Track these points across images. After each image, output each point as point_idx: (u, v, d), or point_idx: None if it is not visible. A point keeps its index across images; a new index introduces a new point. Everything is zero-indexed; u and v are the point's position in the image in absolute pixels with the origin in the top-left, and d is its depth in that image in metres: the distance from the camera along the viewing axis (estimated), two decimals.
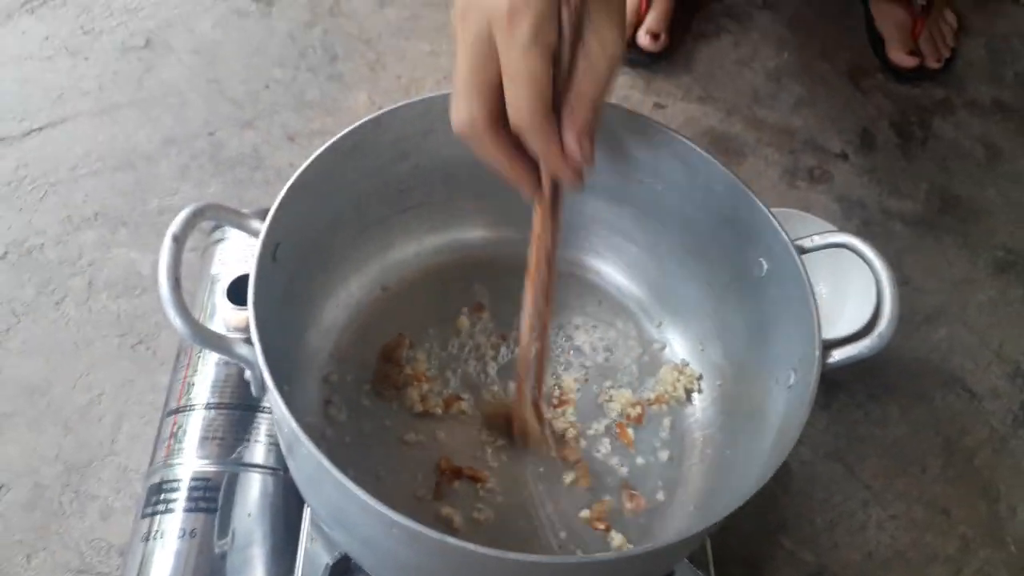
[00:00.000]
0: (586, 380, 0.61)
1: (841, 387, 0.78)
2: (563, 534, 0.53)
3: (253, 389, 0.45)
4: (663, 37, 0.97)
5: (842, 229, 0.84)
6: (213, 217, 0.45)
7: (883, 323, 0.47)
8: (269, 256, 0.47)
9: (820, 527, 0.70)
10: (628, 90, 0.96)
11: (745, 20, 1.05)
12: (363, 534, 0.44)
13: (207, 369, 0.59)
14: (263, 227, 0.46)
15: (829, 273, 0.76)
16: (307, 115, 0.86)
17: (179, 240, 0.43)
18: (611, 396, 0.60)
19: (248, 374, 0.44)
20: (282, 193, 0.48)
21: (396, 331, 0.60)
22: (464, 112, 0.41)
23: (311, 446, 0.38)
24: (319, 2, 0.97)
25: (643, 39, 0.97)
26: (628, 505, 0.55)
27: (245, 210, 0.47)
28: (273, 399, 0.41)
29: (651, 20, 0.97)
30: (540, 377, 0.53)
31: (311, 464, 0.41)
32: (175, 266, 0.42)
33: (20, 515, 0.61)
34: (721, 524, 0.44)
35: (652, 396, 0.60)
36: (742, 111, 0.96)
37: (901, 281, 0.85)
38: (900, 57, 1.00)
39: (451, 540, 0.37)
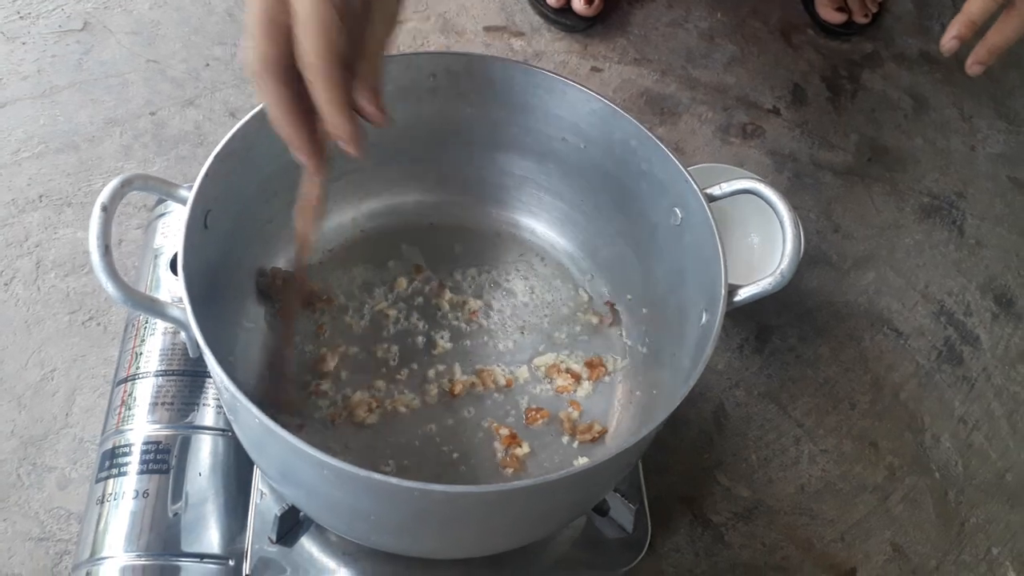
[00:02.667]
0: (522, 333, 0.63)
1: (774, 331, 0.81)
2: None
3: (189, 350, 0.47)
4: (597, 2, 0.99)
5: (773, 181, 0.88)
6: (141, 187, 0.47)
7: (784, 261, 0.50)
8: (199, 223, 0.49)
9: (755, 464, 0.74)
10: (565, 55, 0.98)
11: None
12: (303, 482, 0.47)
13: (155, 339, 0.61)
14: (191, 195, 0.48)
15: (761, 224, 0.79)
16: (248, 91, 0.87)
17: (107, 209, 0.44)
18: (543, 350, 0.63)
19: (184, 335, 0.46)
20: (208, 161, 0.49)
21: (335, 297, 0.62)
22: (253, 51, 0.41)
23: (242, 398, 0.41)
24: None
25: (578, 4, 0.99)
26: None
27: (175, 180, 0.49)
28: (208, 359, 0.43)
29: None
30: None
31: (249, 420, 0.43)
32: (105, 234, 0.44)
33: None
34: (641, 450, 0.47)
35: (581, 354, 0.63)
36: (676, 71, 0.99)
37: (832, 229, 0.90)
38: (829, 13, 1.03)
39: (376, 476, 0.39)
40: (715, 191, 0.54)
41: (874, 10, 1.05)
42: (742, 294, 0.51)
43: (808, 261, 0.86)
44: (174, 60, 0.90)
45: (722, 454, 0.74)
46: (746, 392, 0.78)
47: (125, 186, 0.46)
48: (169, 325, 0.61)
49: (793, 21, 1.06)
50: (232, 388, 0.41)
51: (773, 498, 0.72)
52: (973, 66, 0.64)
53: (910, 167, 0.96)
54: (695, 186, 0.54)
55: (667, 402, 0.46)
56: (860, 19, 1.03)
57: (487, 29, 0.99)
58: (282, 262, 0.62)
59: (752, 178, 0.54)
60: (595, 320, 0.64)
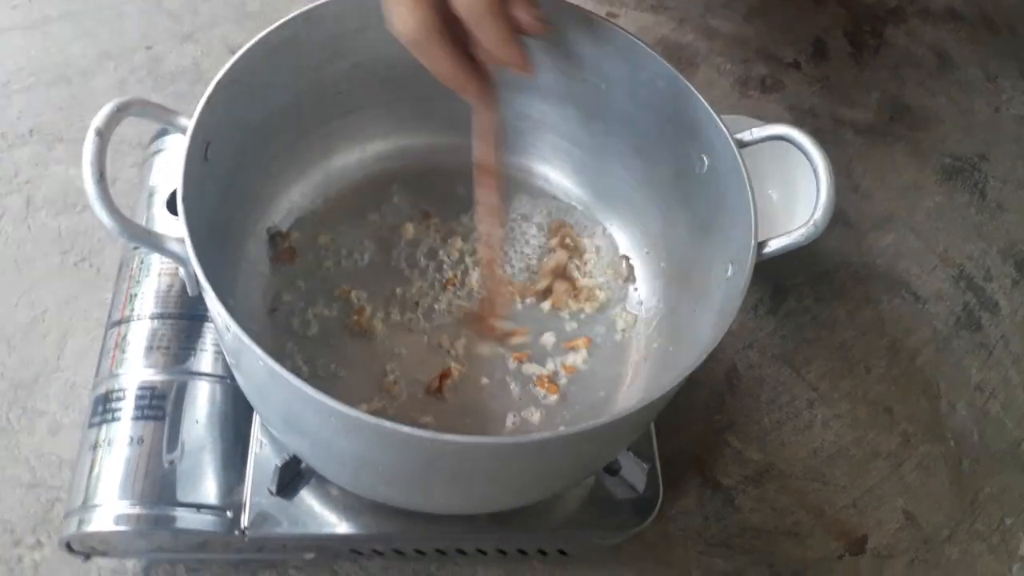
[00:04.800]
0: (527, 289, 0.61)
1: (790, 292, 0.79)
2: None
3: (188, 288, 0.44)
4: None
5: None
6: (139, 112, 0.44)
7: (818, 211, 0.48)
8: (199, 154, 0.46)
9: (767, 427, 0.72)
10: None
11: None
12: (308, 430, 0.44)
13: (150, 280, 0.58)
14: (191, 123, 0.45)
15: (779, 179, 0.76)
16: (248, 26, 0.84)
17: (102, 134, 0.41)
18: (557, 317, 0.60)
19: (182, 272, 0.43)
20: (209, 89, 0.46)
21: (339, 240, 0.59)
22: (411, 17, 0.41)
23: (247, 339, 0.38)
24: None
25: None
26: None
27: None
28: (208, 295, 0.41)
29: None
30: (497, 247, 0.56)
31: (254, 364, 0.41)
32: (100, 160, 0.41)
33: None
34: (661, 405, 0.45)
35: (597, 299, 0.60)
36: (695, 20, 0.95)
37: (851, 188, 0.87)
38: None
39: (387, 424, 0.37)
40: (745, 136, 0.51)
41: None
42: (772, 245, 0.48)
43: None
44: None
45: (734, 416, 0.72)
46: (760, 353, 0.75)
47: (121, 110, 0.43)
48: (165, 266, 0.59)
49: None
50: (235, 327, 0.38)
51: (785, 462, 0.71)
52: None
53: (932, 127, 0.93)
54: (725, 131, 0.51)
55: (688, 359, 0.44)
56: None
57: None
58: (285, 208, 0.59)
59: (784, 125, 0.51)
60: (609, 273, 0.62)
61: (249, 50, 0.49)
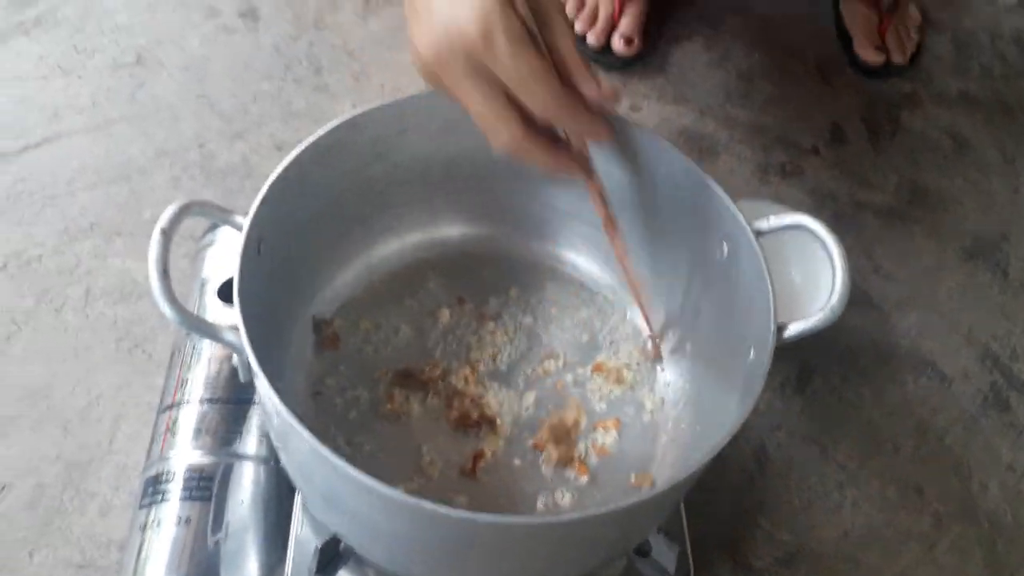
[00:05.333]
0: (563, 366, 0.63)
1: (816, 372, 0.80)
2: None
3: (241, 374, 0.47)
4: (636, 42, 1.00)
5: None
6: (199, 213, 0.48)
7: (835, 296, 0.50)
8: (253, 248, 0.49)
9: (797, 507, 0.73)
10: None
11: (716, 23, 1.08)
12: (348, 508, 0.47)
13: (200, 366, 0.62)
14: (246, 221, 0.49)
15: (801, 262, 0.79)
16: (294, 125, 0.89)
17: (167, 234, 0.45)
18: (586, 383, 0.62)
19: (236, 359, 0.46)
20: (264, 189, 0.50)
21: (383, 327, 0.63)
22: (503, 136, 0.46)
23: (295, 422, 0.41)
24: (303, 16, 1.00)
25: (617, 44, 1.00)
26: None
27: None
28: (259, 381, 0.44)
29: (624, 25, 1.01)
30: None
31: (300, 445, 0.43)
32: (164, 258, 0.45)
33: (23, 513, 0.64)
34: (689, 485, 0.47)
35: (625, 380, 0.63)
36: (715, 110, 0.99)
37: (872, 269, 0.89)
38: (868, 54, 1.03)
39: (426, 504, 0.39)
40: (763, 225, 0.54)
41: (912, 50, 1.05)
42: (791, 330, 0.50)
43: (849, 301, 0.84)
44: (223, 95, 0.92)
45: (764, 496, 0.73)
46: (787, 434, 0.76)
47: (184, 211, 0.47)
48: (214, 352, 0.62)
49: (831, 62, 1.07)
50: (284, 411, 0.41)
51: (816, 543, 0.71)
52: None
53: (952, 208, 0.95)
54: (743, 220, 0.54)
55: (715, 439, 0.46)
56: (898, 59, 1.03)
57: None
58: (330, 297, 0.63)
59: (799, 213, 0.54)
60: (637, 355, 0.64)
61: (299, 153, 0.53)
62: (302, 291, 0.60)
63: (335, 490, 0.45)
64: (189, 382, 0.61)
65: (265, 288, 0.53)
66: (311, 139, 0.54)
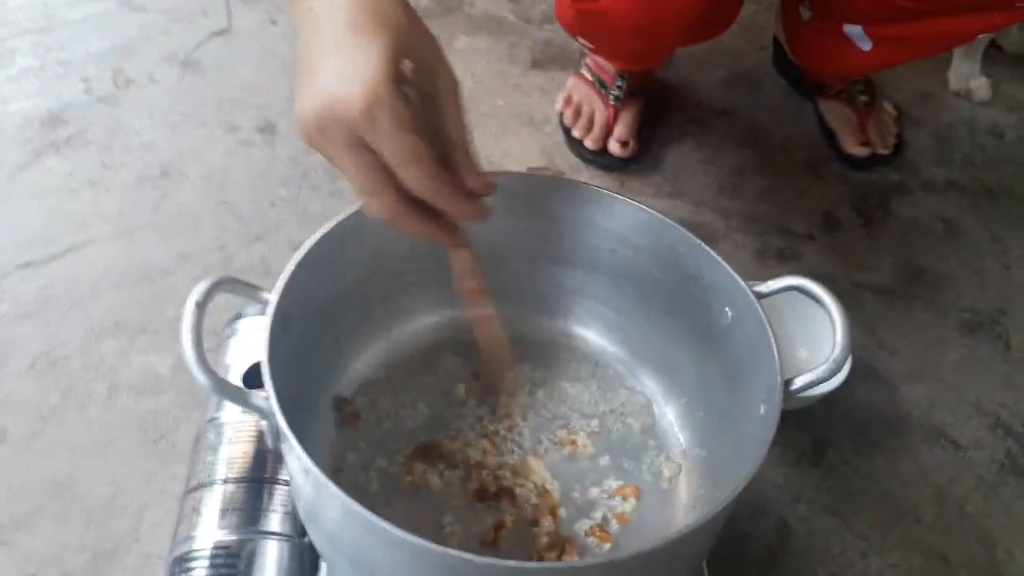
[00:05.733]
0: (577, 436, 0.64)
1: (830, 445, 0.81)
2: None
3: (269, 441, 0.49)
4: (632, 144, 1.06)
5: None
6: (230, 288, 0.51)
7: (837, 349, 0.52)
8: (279, 324, 0.52)
9: None
10: None
11: (705, 125, 1.14)
12: (385, 572, 0.47)
13: (224, 448, 0.63)
14: (273, 296, 0.52)
15: (807, 340, 0.82)
16: (311, 227, 0.91)
17: (200, 306, 0.48)
18: (599, 457, 0.64)
19: (264, 425, 0.48)
20: (290, 266, 0.54)
21: (402, 404, 0.64)
22: (376, 205, 0.47)
23: (325, 479, 0.42)
24: None
25: (614, 147, 1.06)
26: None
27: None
28: (292, 443, 0.45)
29: (619, 130, 1.07)
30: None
31: (330, 506, 0.44)
32: (197, 328, 0.47)
33: None
34: (707, 535, 0.47)
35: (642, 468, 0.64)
36: (710, 203, 1.04)
37: (877, 345, 0.91)
38: (853, 148, 1.09)
39: (452, 552, 0.40)
40: (763, 288, 0.57)
41: (894, 140, 1.10)
42: (798, 382, 0.52)
43: (857, 376, 0.86)
44: (242, 201, 0.97)
45: (788, 570, 0.72)
46: (807, 506, 0.76)
47: (216, 287, 0.50)
48: (236, 435, 0.64)
49: (819, 156, 1.12)
50: (314, 469, 0.43)
51: None
52: None
53: (948, 286, 0.98)
54: (743, 284, 0.56)
55: (729, 491, 0.47)
56: (882, 150, 1.09)
57: (531, 170, 1.06)
58: (350, 376, 0.65)
59: (796, 276, 0.57)
60: (651, 422, 0.65)
61: (324, 234, 0.56)
62: (324, 370, 0.62)
63: (364, 551, 0.46)
64: (214, 464, 0.62)
65: (289, 366, 0.55)
66: (334, 221, 0.58)
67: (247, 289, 0.52)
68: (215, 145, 1.04)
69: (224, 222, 0.94)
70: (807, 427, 0.82)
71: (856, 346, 0.90)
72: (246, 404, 0.47)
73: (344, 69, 0.43)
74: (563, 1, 0.85)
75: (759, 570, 0.71)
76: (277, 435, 0.48)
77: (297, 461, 0.45)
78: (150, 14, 1.25)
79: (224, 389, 0.47)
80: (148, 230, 0.93)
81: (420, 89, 0.46)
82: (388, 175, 0.45)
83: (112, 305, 0.85)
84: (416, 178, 0.45)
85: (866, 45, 0.95)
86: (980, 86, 1.25)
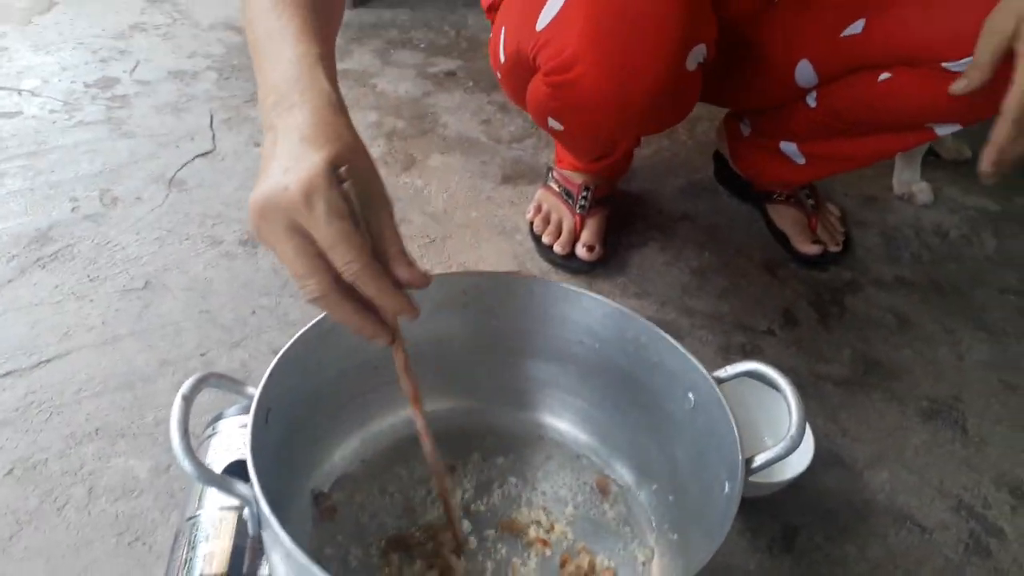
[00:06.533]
0: (552, 525, 0.66)
1: (799, 531, 0.83)
2: None
3: (250, 527, 0.50)
4: (598, 248, 1.12)
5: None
6: (215, 384, 0.54)
7: (792, 428, 0.55)
8: (262, 417, 0.55)
9: None
10: None
11: (667, 230, 1.21)
12: None
13: (202, 544, 0.64)
14: (256, 392, 0.54)
15: (772, 429, 0.85)
16: (291, 332, 0.94)
17: (188, 399, 0.51)
18: (577, 559, 0.65)
19: (246, 512, 0.50)
20: (273, 363, 0.57)
21: (377, 497, 0.66)
22: (310, 287, 0.50)
23: (306, 560, 0.44)
24: None
25: (581, 251, 1.11)
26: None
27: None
28: (273, 526, 0.47)
29: (586, 236, 1.13)
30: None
31: None
32: (184, 420, 0.50)
33: None
34: None
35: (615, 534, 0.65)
36: (674, 302, 1.09)
37: (840, 432, 0.94)
38: (805, 247, 1.16)
39: None
40: (721, 374, 0.61)
41: (842, 237, 1.18)
42: (759, 460, 0.55)
43: (822, 463, 0.89)
44: (224, 310, 1.00)
45: None
46: None
47: (201, 382, 0.52)
48: (215, 531, 0.65)
49: (774, 257, 1.18)
50: (297, 551, 0.45)
51: None
52: (987, 168, 0.72)
53: (904, 376, 1.03)
54: (703, 370, 0.60)
55: (696, 564, 0.49)
56: (833, 248, 1.15)
57: None
58: (327, 471, 0.67)
59: (751, 361, 0.61)
60: (624, 511, 0.67)
61: (304, 332, 0.60)
62: (303, 464, 0.64)
63: None
64: (192, 559, 0.63)
65: (270, 460, 0.57)
66: (314, 321, 0.61)
67: (232, 384, 0.55)
68: (198, 258, 1.08)
69: (206, 330, 0.97)
70: (777, 514, 0.83)
71: (820, 434, 0.93)
72: (230, 491, 0.49)
73: (289, 167, 0.49)
74: (536, 83, 0.91)
75: None
76: (259, 522, 0.49)
77: (279, 547, 0.47)
78: (139, 139, 1.32)
79: (210, 478, 0.49)
80: (131, 338, 0.95)
81: (357, 191, 0.50)
82: (322, 259, 0.49)
83: (94, 411, 0.86)
84: (347, 261, 0.48)
85: (800, 160, 1.04)
86: (921, 190, 1.34)
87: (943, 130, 0.92)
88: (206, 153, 1.30)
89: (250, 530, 0.51)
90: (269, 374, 0.56)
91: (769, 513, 0.83)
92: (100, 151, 1.28)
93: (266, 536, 0.50)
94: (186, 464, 0.48)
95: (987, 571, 0.81)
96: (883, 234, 1.26)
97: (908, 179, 1.35)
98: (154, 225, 1.13)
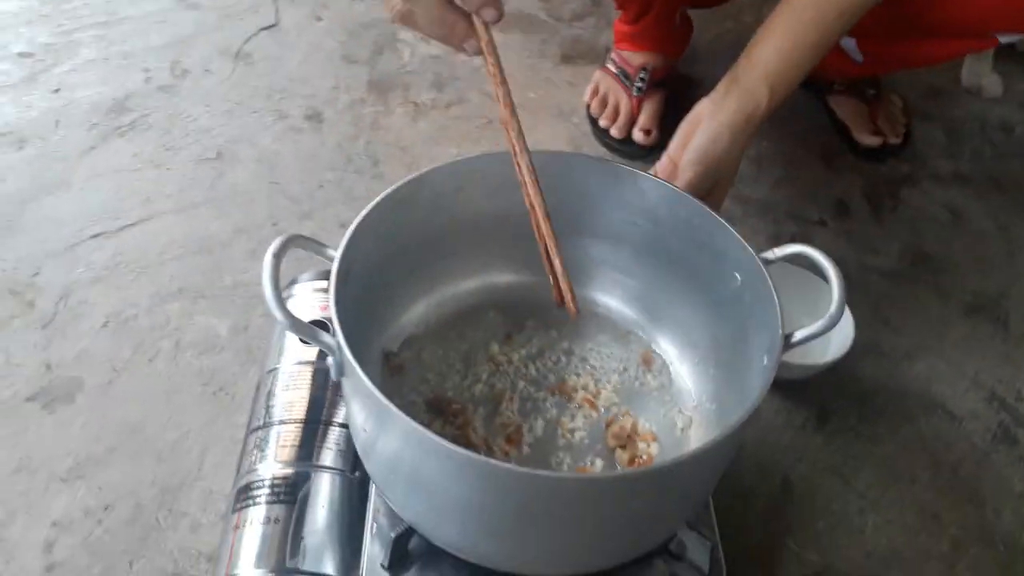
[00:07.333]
0: (598, 394, 0.71)
1: (834, 413, 0.87)
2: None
3: (333, 373, 0.56)
4: (655, 133, 1.13)
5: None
6: (301, 245, 0.58)
7: (833, 306, 0.58)
8: (343, 277, 0.59)
9: (822, 530, 0.78)
10: None
11: None
12: (435, 490, 0.54)
13: (282, 393, 0.71)
14: (338, 253, 0.59)
15: (810, 311, 0.87)
16: (356, 207, 0.99)
17: (277, 257, 0.55)
18: (621, 420, 0.70)
19: (330, 360, 0.56)
20: (350, 230, 0.61)
21: (439, 357, 0.72)
22: (398, 4, 0.56)
23: (386, 401, 0.49)
24: (361, 119, 1.15)
25: (638, 135, 1.13)
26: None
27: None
28: (356, 372, 0.52)
29: (643, 119, 1.13)
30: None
31: (389, 429, 0.52)
32: (275, 275, 0.54)
33: (124, 529, 0.72)
34: (720, 454, 0.54)
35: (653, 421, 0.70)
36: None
37: (881, 322, 0.97)
38: (865, 138, 1.15)
39: (493, 462, 0.47)
40: (769, 255, 0.63)
41: (904, 130, 1.16)
42: (798, 335, 0.59)
43: (861, 350, 0.92)
44: (292, 182, 1.05)
45: (791, 521, 0.78)
46: (810, 466, 0.83)
47: (290, 242, 0.57)
48: (291, 382, 0.71)
49: (832, 148, 1.18)
50: (375, 392, 0.50)
51: (841, 562, 0.76)
52: None
53: (952, 271, 1.04)
54: (751, 250, 0.63)
55: (736, 418, 0.53)
56: (894, 140, 1.15)
57: None
58: (396, 332, 0.72)
59: (799, 244, 0.63)
60: (666, 381, 0.72)
61: (377, 202, 0.64)
62: (374, 324, 0.70)
63: (420, 471, 0.53)
64: (274, 407, 0.70)
65: (348, 316, 0.62)
66: (387, 191, 0.65)
67: (315, 245, 0.60)
68: (266, 131, 1.12)
69: (276, 200, 1.02)
70: (814, 397, 0.88)
71: (862, 323, 0.96)
72: (315, 340, 0.54)
73: None
74: None
75: (763, 521, 0.78)
76: (341, 368, 0.55)
77: (359, 391, 0.53)
78: (204, 11, 1.34)
79: (299, 327, 0.54)
80: (206, 206, 1.01)
81: None
82: None
83: (176, 272, 0.93)
84: None
85: (858, 57, 1.02)
86: (992, 83, 1.31)
87: (1006, 38, 0.89)
88: (269, 27, 1.32)
89: (333, 375, 0.56)
90: (349, 237, 0.61)
91: (806, 395, 0.88)
92: (167, 22, 1.31)
93: (345, 383, 0.56)
94: (279, 314, 0.53)
95: (1012, 458, 0.85)
96: (946, 128, 1.25)
97: (978, 70, 1.31)
98: (223, 97, 1.17)
